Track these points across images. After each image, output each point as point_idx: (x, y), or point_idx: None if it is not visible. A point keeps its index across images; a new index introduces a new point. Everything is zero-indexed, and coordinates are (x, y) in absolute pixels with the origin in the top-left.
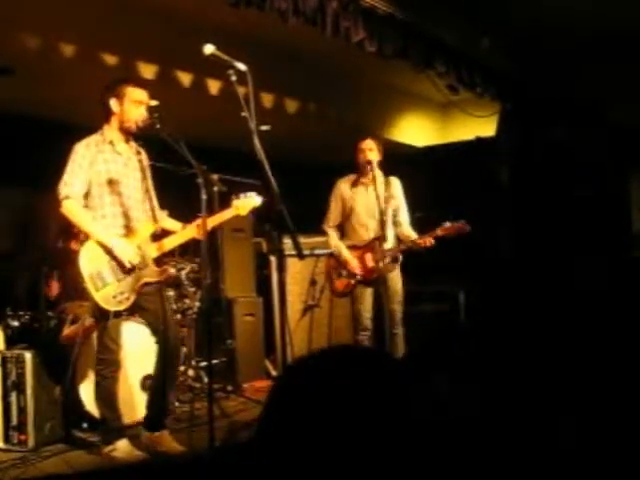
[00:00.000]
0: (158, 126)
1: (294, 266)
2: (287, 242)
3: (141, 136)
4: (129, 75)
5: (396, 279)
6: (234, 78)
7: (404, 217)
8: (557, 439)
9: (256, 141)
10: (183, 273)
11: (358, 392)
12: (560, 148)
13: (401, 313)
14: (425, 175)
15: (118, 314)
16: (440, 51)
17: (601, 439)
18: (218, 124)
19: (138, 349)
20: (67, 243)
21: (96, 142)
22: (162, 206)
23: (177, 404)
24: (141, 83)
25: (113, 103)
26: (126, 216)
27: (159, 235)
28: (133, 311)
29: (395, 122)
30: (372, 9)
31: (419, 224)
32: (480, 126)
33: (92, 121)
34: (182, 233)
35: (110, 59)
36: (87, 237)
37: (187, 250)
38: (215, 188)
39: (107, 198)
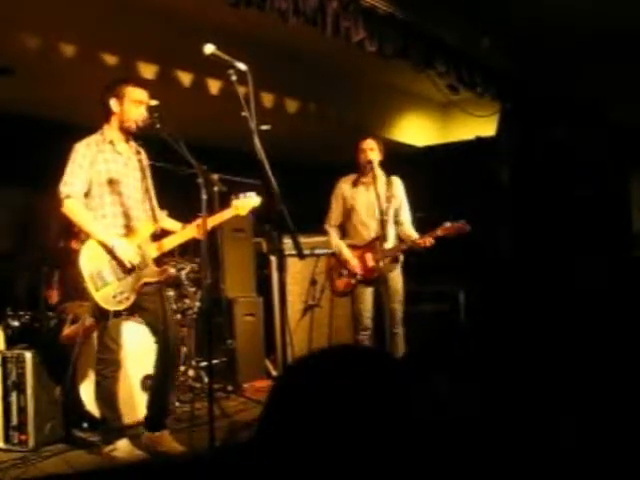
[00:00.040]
0: (158, 126)
1: (294, 266)
2: (287, 242)
3: (141, 136)
4: (129, 75)
5: (397, 279)
6: (234, 78)
7: (406, 217)
8: (557, 439)
9: (256, 141)
10: (183, 273)
11: (358, 392)
12: (560, 148)
13: (401, 313)
14: (425, 175)
15: (118, 314)
16: (440, 51)
17: (601, 439)
18: (218, 124)
19: (138, 349)
20: (67, 243)
21: (96, 142)
22: (162, 206)
23: (177, 404)
24: (141, 83)
25: (113, 103)
26: (126, 216)
27: (159, 235)
28: (133, 311)
29: (395, 122)
30: (372, 9)
31: (420, 224)
32: (480, 126)
33: (92, 121)
34: (182, 233)
35: (110, 59)
36: (88, 236)
37: (187, 250)
38: (215, 188)
39: (107, 198)
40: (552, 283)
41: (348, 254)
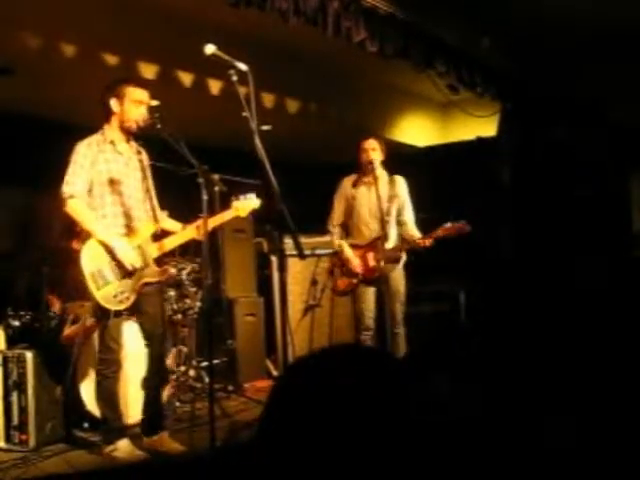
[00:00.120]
0: (159, 126)
1: (295, 266)
2: (288, 242)
3: (142, 136)
4: (130, 75)
5: (398, 279)
6: (235, 78)
7: (408, 217)
8: (557, 439)
9: (257, 141)
10: (184, 273)
11: (359, 392)
12: (561, 148)
13: (402, 313)
14: (426, 175)
15: (119, 313)
16: (440, 51)
17: (601, 439)
18: (219, 124)
19: (139, 349)
20: (68, 242)
21: (97, 142)
22: (162, 206)
23: (178, 404)
24: (141, 83)
25: (113, 103)
26: (127, 216)
27: (159, 235)
28: (133, 311)
29: (396, 122)
30: (373, 9)
31: (422, 225)
32: (481, 126)
33: (92, 121)
34: (182, 234)
35: (111, 59)
36: (89, 236)
37: (188, 250)
38: (216, 188)
39: (108, 198)
40: (552, 283)
41: (350, 253)
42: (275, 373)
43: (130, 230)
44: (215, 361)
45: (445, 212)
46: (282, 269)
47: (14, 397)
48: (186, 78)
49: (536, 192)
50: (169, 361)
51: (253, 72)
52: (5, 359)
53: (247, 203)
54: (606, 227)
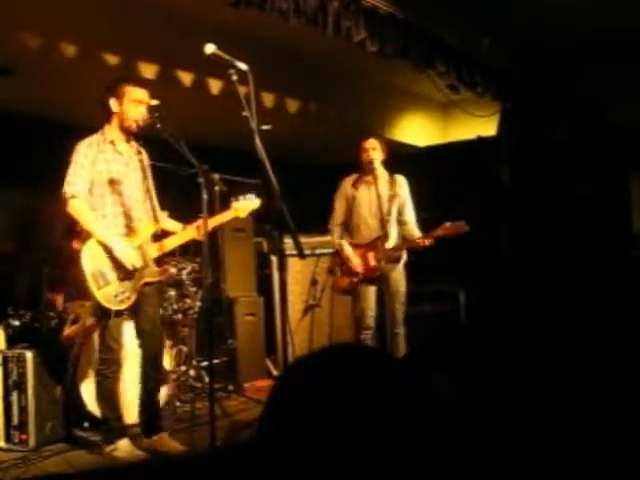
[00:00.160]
0: (159, 126)
1: (295, 266)
2: (288, 242)
3: (142, 136)
4: (130, 75)
5: (399, 279)
6: (235, 78)
7: (409, 216)
8: (557, 439)
9: (257, 141)
10: (184, 273)
11: (359, 391)
12: (560, 148)
13: (402, 313)
14: (426, 175)
15: (119, 313)
16: (441, 51)
17: (601, 439)
18: (219, 124)
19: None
20: (69, 242)
21: (97, 141)
22: (163, 206)
23: (178, 404)
24: (141, 82)
25: (113, 103)
26: (127, 216)
27: (159, 236)
28: (134, 311)
29: (396, 122)
30: (373, 9)
31: (424, 224)
32: (481, 126)
33: (93, 121)
34: (182, 234)
35: (111, 59)
36: (89, 236)
37: (188, 250)
38: (216, 188)
39: (108, 198)
40: (552, 283)
41: (350, 253)
42: (275, 373)
43: (130, 230)
44: (215, 361)
45: (445, 212)
46: (282, 269)
47: (14, 397)
48: (186, 78)
49: (536, 192)
50: (169, 361)
51: (253, 72)
52: (5, 359)
53: (247, 204)
54: (606, 227)
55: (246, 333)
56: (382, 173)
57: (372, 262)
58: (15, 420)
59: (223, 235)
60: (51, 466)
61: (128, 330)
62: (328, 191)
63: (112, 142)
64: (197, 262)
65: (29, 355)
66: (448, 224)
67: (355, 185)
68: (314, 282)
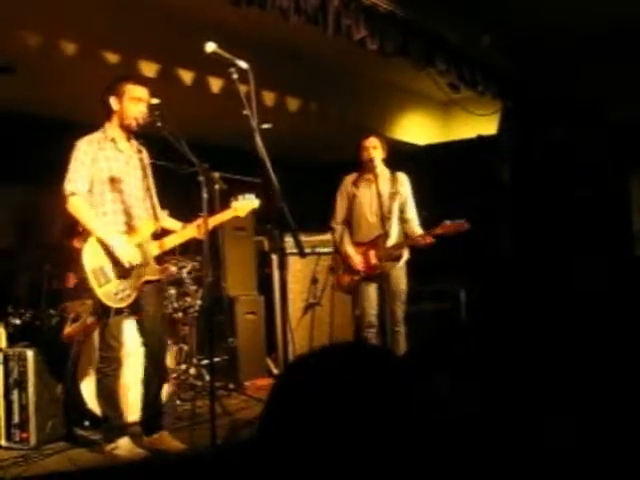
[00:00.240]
0: (159, 124)
1: (295, 264)
2: (288, 240)
3: (142, 134)
4: (130, 73)
5: (399, 277)
6: (235, 76)
7: (411, 214)
8: (557, 439)
9: (257, 139)
10: (184, 271)
11: (359, 390)
12: (560, 148)
13: (403, 312)
14: (426, 173)
15: (119, 311)
16: (441, 49)
17: (601, 439)
18: (219, 122)
19: (140, 347)
20: (69, 240)
21: (98, 139)
22: (163, 205)
23: (179, 402)
24: (141, 81)
25: (113, 101)
26: (127, 214)
27: (159, 234)
28: (134, 309)
29: (396, 120)
30: (373, 7)
31: (425, 223)
32: (481, 124)
33: (93, 119)
34: (182, 232)
35: (111, 57)
36: (89, 234)
37: (188, 249)
38: (216, 186)
39: (108, 195)
40: (552, 282)
41: (351, 251)
42: (275, 371)
43: (130, 228)
44: (216, 359)
45: (446, 210)
46: (282, 267)
47: (15, 395)
48: (187, 76)
49: (536, 192)
50: (170, 359)
51: (254, 70)
52: (6, 357)
53: (246, 203)
54: (606, 227)
55: (246, 331)
56: (383, 171)
57: (373, 260)
58: (16, 418)
59: (224, 234)
60: (52, 464)
61: (128, 328)
62: (328, 190)
63: (113, 140)
64: (197, 260)
65: (30, 353)
66: (448, 222)
67: (356, 184)
68: (314, 281)
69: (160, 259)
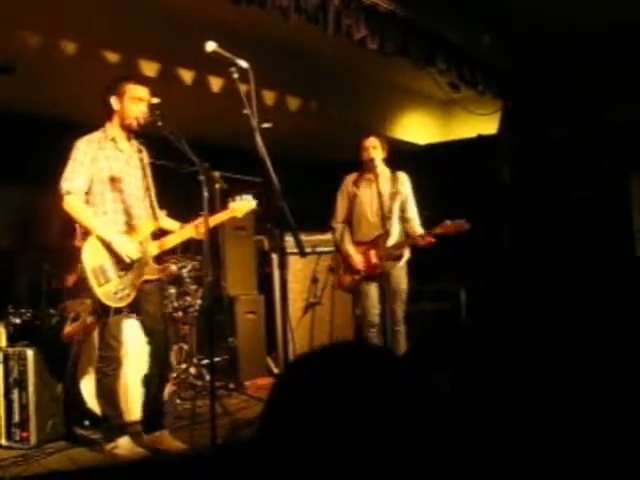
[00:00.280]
0: (160, 123)
1: (295, 264)
2: (289, 240)
3: (143, 133)
4: (130, 73)
5: (400, 276)
6: (236, 75)
7: (412, 213)
8: (557, 439)
9: (258, 138)
10: (185, 271)
11: (359, 389)
12: (561, 148)
13: (403, 311)
14: (427, 173)
15: (119, 311)
16: (441, 48)
17: (601, 439)
18: (220, 121)
19: (140, 346)
20: (69, 240)
21: (98, 139)
22: (164, 204)
23: (179, 402)
24: (142, 80)
25: (113, 101)
26: (127, 213)
27: (157, 234)
28: (134, 309)
29: (397, 120)
30: (373, 6)
31: (426, 222)
32: (482, 124)
33: (93, 119)
34: (180, 232)
35: (112, 56)
36: (88, 233)
37: (189, 248)
38: (217, 185)
39: (108, 195)
40: (553, 282)
41: (352, 250)
42: (276, 371)
43: (130, 228)
44: (216, 359)
45: (446, 210)
46: (283, 267)
47: (15, 395)
48: (187, 75)
49: (536, 191)
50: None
51: (254, 69)
52: (6, 356)
53: (243, 204)
54: (606, 227)
55: (247, 331)
56: (383, 171)
57: (374, 260)
58: (16, 418)
59: (224, 233)
60: (52, 463)
61: (128, 328)
62: (329, 189)
63: (113, 139)
64: (198, 260)
65: (30, 353)
66: (448, 222)
67: (356, 183)
68: (315, 280)
69: (160, 258)
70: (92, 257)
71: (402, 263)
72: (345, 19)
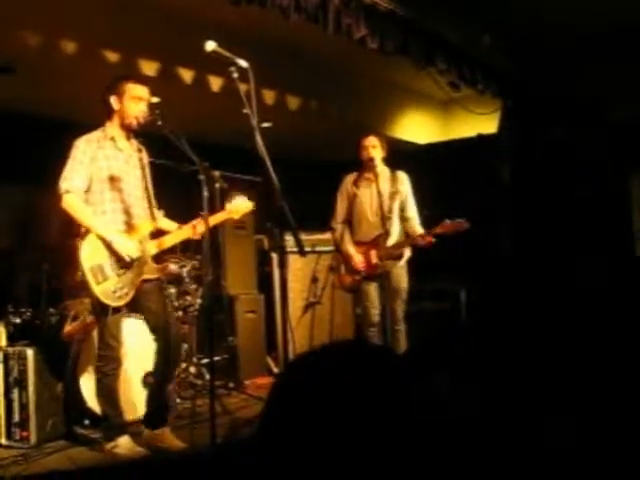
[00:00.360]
0: (159, 123)
1: (295, 263)
2: (288, 239)
3: (143, 133)
4: (130, 72)
5: (400, 276)
6: (235, 75)
7: (412, 212)
8: (557, 439)
9: (258, 138)
10: (184, 270)
11: (359, 388)
12: (561, 147)
13: (403, 310)
14: (426, 172)
15: (118, 310)
16: (441, 48)
17: (601, 438)
18: (220, 121)
19: (139, 346)
20: (70, 240)
21: (97, 138)
22: (162, 204)
23: (179, 401)
24: (141, 80)
25: (113, 100)
26: (126, 213)
27: (154, 235)
28: (134, 310)
29: (397, 119)
30: (373, 6)
31: (426, 222)
32: (481, 123)
33: (93, 118)
34: (178, 233)
35: (111, 56)
36: (87, 232)
37: (189, 247)
38: (217, 185)
39: (107, 194)
40: (553, 282)
41: (352, 250)
42: (276, 370)
43: (129, 227)
44: (216, 358)
45: (446, 209)
46: (283, 266)
47: (15, 394)
48: (187, 75)
49: (536, 191)
50: None
51: (254, 69)
52: (6, 356)
53: (239, 205)
54: (606, 227)
55: (246, 330)
56: (383, 170)
57: (374, 259)
58: (16, 417)
59: (224, 232)
60: (52, 463)
61: (128, 328)
62: (329, 188)
63: (112, 139)
64: (197, 259)
65: (30, 352)
66: (448, 222)
67: (356, 183)
68: (315, 279)
69: (159, 258)
70: (91, 255)
71: (403, 262)
72: (345, 18)
